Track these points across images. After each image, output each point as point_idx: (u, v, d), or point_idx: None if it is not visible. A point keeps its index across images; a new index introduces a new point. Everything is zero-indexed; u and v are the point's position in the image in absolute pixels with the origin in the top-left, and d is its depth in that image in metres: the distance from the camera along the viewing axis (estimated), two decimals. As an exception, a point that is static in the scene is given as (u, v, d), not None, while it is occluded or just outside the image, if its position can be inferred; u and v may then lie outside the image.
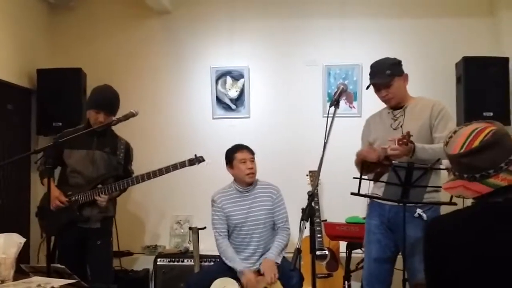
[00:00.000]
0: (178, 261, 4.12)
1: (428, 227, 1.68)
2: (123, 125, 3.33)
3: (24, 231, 2.94)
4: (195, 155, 3.31)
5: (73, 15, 4.65)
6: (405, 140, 2.50)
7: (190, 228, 4.03)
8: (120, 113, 3.24)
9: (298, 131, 4.47)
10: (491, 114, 3.99)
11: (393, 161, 2.62)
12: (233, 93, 4.55)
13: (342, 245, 3.83)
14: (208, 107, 4.56)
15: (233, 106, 4.56)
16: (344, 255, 3.76)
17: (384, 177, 2.63)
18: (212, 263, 3.80)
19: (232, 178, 3.55)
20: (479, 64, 4.07)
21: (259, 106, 4.55)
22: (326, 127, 2.39)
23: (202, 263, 3.80)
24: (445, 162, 1.64)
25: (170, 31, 4.63)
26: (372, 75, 2.87)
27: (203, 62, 4.57)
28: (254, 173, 3.46)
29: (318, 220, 3.89)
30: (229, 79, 4.55)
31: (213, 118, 4.56)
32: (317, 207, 3.93)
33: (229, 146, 3.58)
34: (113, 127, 3.40)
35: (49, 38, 4.61)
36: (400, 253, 2.86)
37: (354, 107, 4.44)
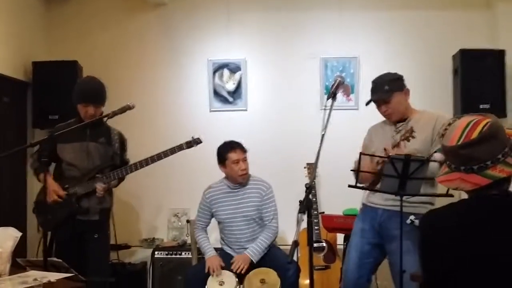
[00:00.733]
0: (175, 254, 4.12)
1: (423, 221, 1.68)
2: (120, 118, 3.32)
3: (20, 225, 2.93)
4: (192, 137, 3.27)
5: (69, 7, 4.63)
6: (398, 142, 2.57)
7: (187, 221, 4.05)
8: (116, 106, 3.22)
9: (295, 124, 4.46)
10: (488, 106, 4.01)
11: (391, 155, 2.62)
12: (230, 85, 4.54)
13: (340, 237, 3.84)
14: (205, 100, 4.54)
15: (230, 99, 4.55)
16: (342, 247, 3.77)
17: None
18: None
19: (224, 173, 3.55)
20: (475, 56, 4.08)
21: (256, 99, 4.54)
22: (324, 120, 2.39)
23: (200, 256, 3.80)
24: (438, 156, 1.63)
25: (167, 23, 4.61)
26: (372, 90, 2.85)
27: (200, 55, 4.55)
28: (247, 173, 3.44)
29: (316, 212, 3.90)
30: (226, 72, 4.53)
31: (210, 111, 4.55)
32: (314, 199, 3.94)
33: (227, 139, 3.56)
34: (109, 120, 3.38)
35: (45, 30, 4.58)
36: (386, 258, 2.86)
37: (351, 100, 4.44)
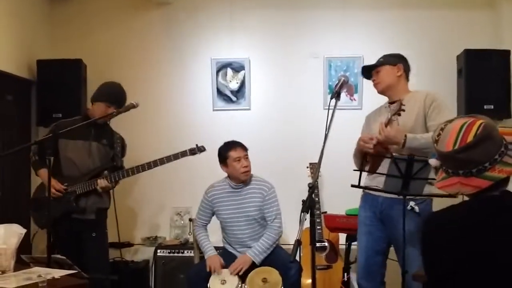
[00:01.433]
0: (178, 252, 4.13)
1: (425, 223, 1.68)
2: (124, 116, 3.33)
3: (24, 222, 2.94)
4: (196, 145, 3.31)
5: (73, 6, 4.63)
6: (390, 118, 2.63)
7: (190, 220, 4.05)
8: (120, 104, 3.24)
9: (298, 123, 4.46)
10: (492, 106, 4.00)
11: (393, 153, 2.62)
12: (234, 85, 4.54)
13: (342, 237, 3.84)
14: (208, 99, 4.55)
15: (234, 98, 4.55)
16: (344, 247, 3.77)
17: (384, 169, 2.63)
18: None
19: (226, 173, 3.55)
20: (480, 56, 4.06)
21: (259, 98, 4.54)
22: (327, 119, 2.39)
23: (202, 255, 3.81)
24: (433, 161, 1.61)
25: (171, 22, 4.61)
26: None
27: (203, 54, 4.55)
28: (249, 171, 3.44)
29: (318, 212, 3.89)
30: (229, 71, 4.54)
31: (214, 110, 4.55)
32: (317, 199, 3.93)
33: (230, 138, 3.57)
34: (114, 118, 3.39)
35: (49, 29, 4.59)
36: (392, 246, 2.88)
37: (355, 100, 4.43)
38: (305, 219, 2.06)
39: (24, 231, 2.35)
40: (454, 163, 1.56)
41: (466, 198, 1.64)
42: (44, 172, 3.20)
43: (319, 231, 3.81)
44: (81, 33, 4.59)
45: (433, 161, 1.66)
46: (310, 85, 4.48)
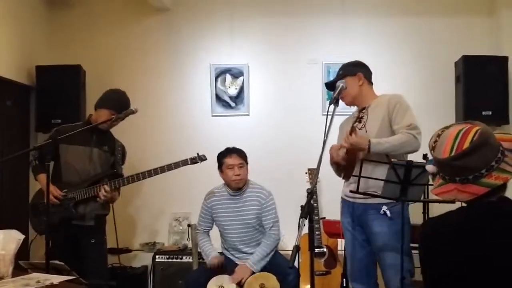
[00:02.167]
0: (176, 258, 4.12)
1: (422, 229, 1.68)
2: (123, 122, 3.33)
3: (23, 228, 2.92)
4: (197, 153, 3.30)
5: (72, 11, 4.65)
6: (352, 126, 2.67)
7: (189, 225, 4.04)
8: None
9: (297, 129, 4.47)
10: (490, 113, 4.00)
11: (362, 158, 2.65)
12: (233, 90, 4.55)
13: (341, 243, 3.83)
14: (207, 105, 4.56)
15: (233, 104, 4.56)
16: (342, 252, 3.76)
17: (383, 175, 2.63)
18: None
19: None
20: (478, 63, 4.07)
21: (258, 104, 4.55)
22: (326, 125, 2.40)
23: (201, 260, 3.80)
24: (430, 168, 1.62)
25: (170, 28, 4.63)
26: None
27: (202, 60, 4.57)
28: (241, 179, 3.42)
29: (317, 217, 3.90)
30: (228, 77, 4.55)
31: (213, 116, 4.56)
32: (316, 204, 3.94)
33: (228, 144, 3.57)
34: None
35: (48, 34, 4.61)
36: None
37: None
38: (304, 225, 2.06)
39: (22, 237, 2.34)
40: (451, 170, 1.56)
41: (464, 204, 1.64)
42: (43, 177, 3.19)
43: (317, 237, 3.81)
44: (80, 39, 4.60)
45: (430, 167, 1.66)
46: (308, 91, 4.49)
